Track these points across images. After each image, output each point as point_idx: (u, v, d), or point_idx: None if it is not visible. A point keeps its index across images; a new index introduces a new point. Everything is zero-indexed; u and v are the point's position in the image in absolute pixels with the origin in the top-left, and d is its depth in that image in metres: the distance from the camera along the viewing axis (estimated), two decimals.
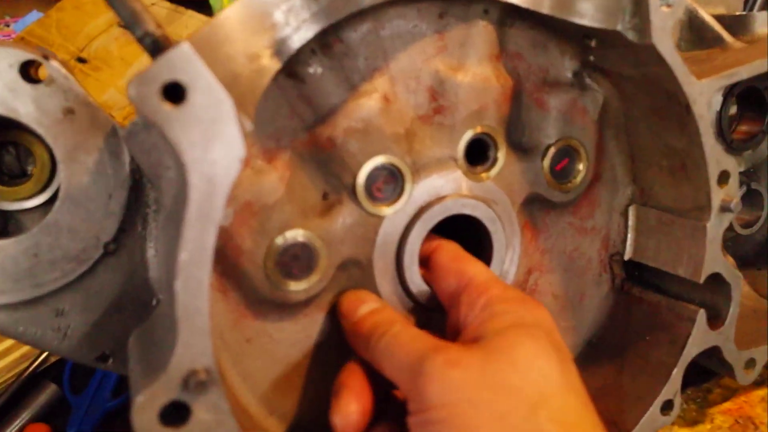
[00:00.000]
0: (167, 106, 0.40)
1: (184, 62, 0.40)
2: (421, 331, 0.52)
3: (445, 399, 0.46)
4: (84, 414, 0.87)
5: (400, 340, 0.51)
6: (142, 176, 0.56)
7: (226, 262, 0.54)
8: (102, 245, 0.55)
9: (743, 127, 0.87)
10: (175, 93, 0.40)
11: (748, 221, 0.88)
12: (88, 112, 0.53)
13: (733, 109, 0.79)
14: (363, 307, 0.56)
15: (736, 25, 0.75)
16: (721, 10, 0.81)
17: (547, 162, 0.64)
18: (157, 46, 0.44)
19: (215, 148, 0.42)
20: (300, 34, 0.48)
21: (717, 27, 0.73)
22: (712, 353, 0.70)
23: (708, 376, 0.83)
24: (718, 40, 0.73)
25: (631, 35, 0.57)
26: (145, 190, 0.57)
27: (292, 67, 0.52)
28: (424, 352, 0.48)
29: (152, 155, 0.50)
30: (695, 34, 0.74)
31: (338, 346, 0.58)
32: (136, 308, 0.59)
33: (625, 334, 0.72)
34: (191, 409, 0.44)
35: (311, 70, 0.53)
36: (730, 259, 0.68)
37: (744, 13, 0.79)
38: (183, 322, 0.44)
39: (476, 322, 0.51)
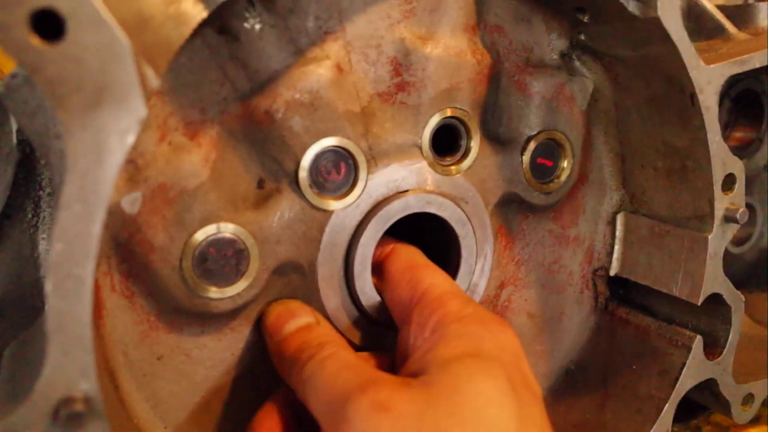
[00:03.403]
0: (38, 42, 0.30)
1: None
2: (357, 357, 0.43)
3: None
4: None
5: (327, 370, 0.41)
6: (33, 149, 0.47)
7: (133, 261, 0.46)
8: None
9: (737, 134, 0.82)
10: (49, 25, 0.31)
11: (739, 238, 0.84)
12: None
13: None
14: (292, 322, 0.48)
15: (738, 15, 0.69)
16: (719, 0, 0.73)
17: (527, 157, 0.56)
18: None
19: (104, 105, 0.32)
20: None
21: (719, 16, 0.66)
22: (705, 387, 0.62)
23: (695, 411, 0.75)
24: (719, 30, 0.66)
25: (632, 6, 0.50)
26: (37, 167, 0.48)
27: (223, 19, 0.44)
28: (349, 390, 0.38)
29: (37, 119, 0.40)
30: (694, 23, 0.67)
31: (271, 370, 0.49)
32: (23, 315, 0.49)
33: (609, 362, 0.64)
34: None
35: (248, 25, 0.45)
36: None
37: (746, 3, 0.72)
38: (55, 334, 0.34)
39: (424, 346, 0.42)
